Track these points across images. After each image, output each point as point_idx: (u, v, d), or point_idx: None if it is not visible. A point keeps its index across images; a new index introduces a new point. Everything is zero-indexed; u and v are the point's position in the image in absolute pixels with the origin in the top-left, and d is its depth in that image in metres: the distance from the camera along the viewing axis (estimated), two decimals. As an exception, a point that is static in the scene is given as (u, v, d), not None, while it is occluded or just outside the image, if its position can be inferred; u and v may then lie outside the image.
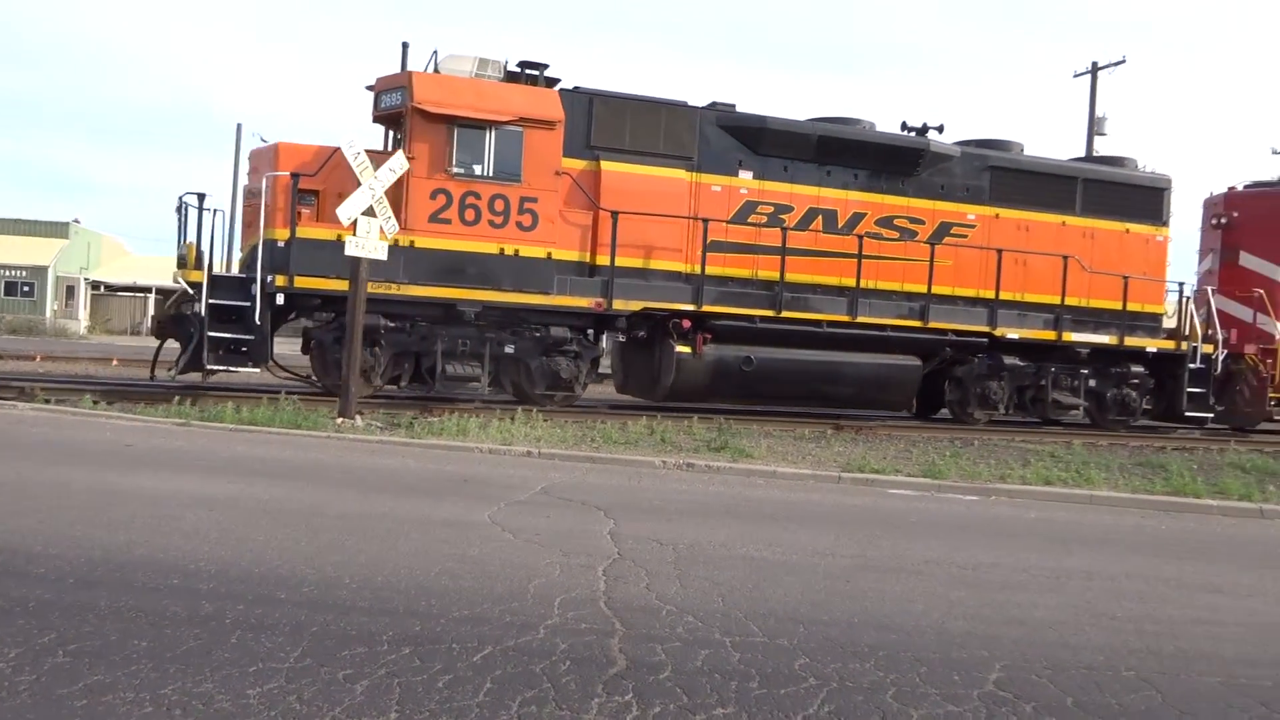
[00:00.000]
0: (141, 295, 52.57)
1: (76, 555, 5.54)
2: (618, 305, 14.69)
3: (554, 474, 9.73)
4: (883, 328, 16.00)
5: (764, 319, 15.37)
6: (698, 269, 15.05)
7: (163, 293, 56.07)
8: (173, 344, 14.58)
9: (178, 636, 4.32)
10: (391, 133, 15.08)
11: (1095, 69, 32.21)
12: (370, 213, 12.43)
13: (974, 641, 4.97)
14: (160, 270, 55.78)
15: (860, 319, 15.84)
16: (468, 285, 14.12)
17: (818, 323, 15.69)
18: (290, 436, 11.38)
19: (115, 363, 22.20)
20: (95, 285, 52.18)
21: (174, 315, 14.31)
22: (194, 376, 14.59)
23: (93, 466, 8.78)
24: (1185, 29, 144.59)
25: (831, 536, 7.47)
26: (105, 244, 56.94)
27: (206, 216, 14.12)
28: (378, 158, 14.21)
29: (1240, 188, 20.04)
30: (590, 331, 15.51)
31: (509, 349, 14.50)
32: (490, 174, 14.11)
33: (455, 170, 14.00)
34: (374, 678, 3.97)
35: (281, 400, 12.94)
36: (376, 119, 15.05)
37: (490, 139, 14.02)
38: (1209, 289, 18.69)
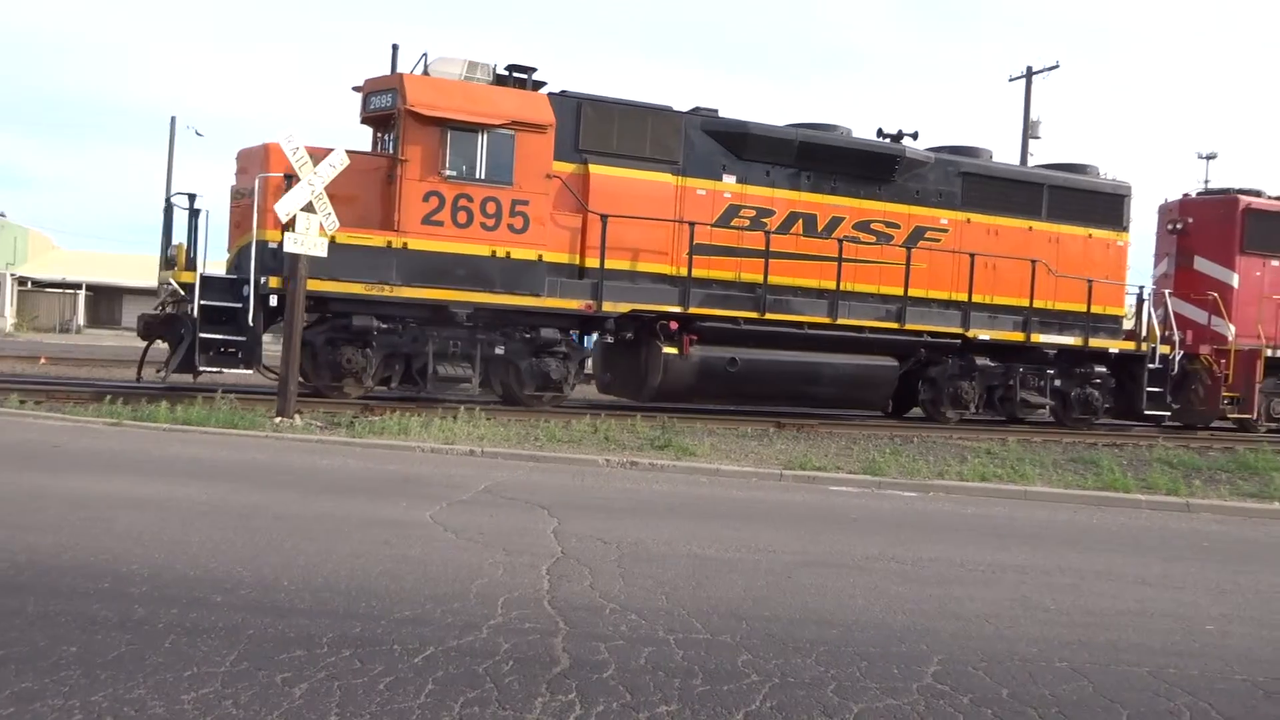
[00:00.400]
0: (71, 292, 51.19)
1: (1, 559, 5.37)
2: (607, 307, 14.89)
3: (497, 473, 9.68)
4: (861, 329, 16.40)
5: (748, 321, 15.68)
6: (684, 271, 15.29)
7: (94, 289, 54.78)
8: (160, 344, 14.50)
9: (109, 641, 4.22)
10: (380, 134, 15.07)
11: (1030, 73, 32.89)
12: (310, 209, 12.25)
13: (913, 635, 5.05)
14: (91, 266, 54.49)
15: (840, 321, 16.22)
16: (460, 287, 14.19)
17: (799, 324, 16.05)
18: (227, 436, 11.17)
19: (43, 361, 21.59)
20: (22, 281, 50.65)
21: (165, 316, 14.18)
22: (177, 377, 14.40)
23: (19, 467, 8.53)
24: (1117, 35, 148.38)
25: (774, 533, 7.53)
26: (33, 238, 55.34)
27: (191, 216, 14.09)
28: (366, 159, 14.43)
29: (1194, 194, 20.87)
30: (575, 333, 15.70)
31: (499, 350, 14.65)
32: (482, 177, 14.20)
33: (448, 173, 14.05)
34: (313, 680, 3.92)
35: (218, 399, 12.70)
36: (365, 120, 15.01)
37: (482, 142, 14.12)
38: (1166, 292, 19.34)
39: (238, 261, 14.04)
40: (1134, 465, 12.94)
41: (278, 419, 12.20)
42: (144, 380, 14.88)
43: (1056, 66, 32.59)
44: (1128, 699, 4.31)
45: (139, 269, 51.60)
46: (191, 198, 14.16)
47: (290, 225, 12.16)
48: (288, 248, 12.23)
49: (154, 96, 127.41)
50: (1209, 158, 36.57)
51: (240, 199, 14.19)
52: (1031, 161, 21.29)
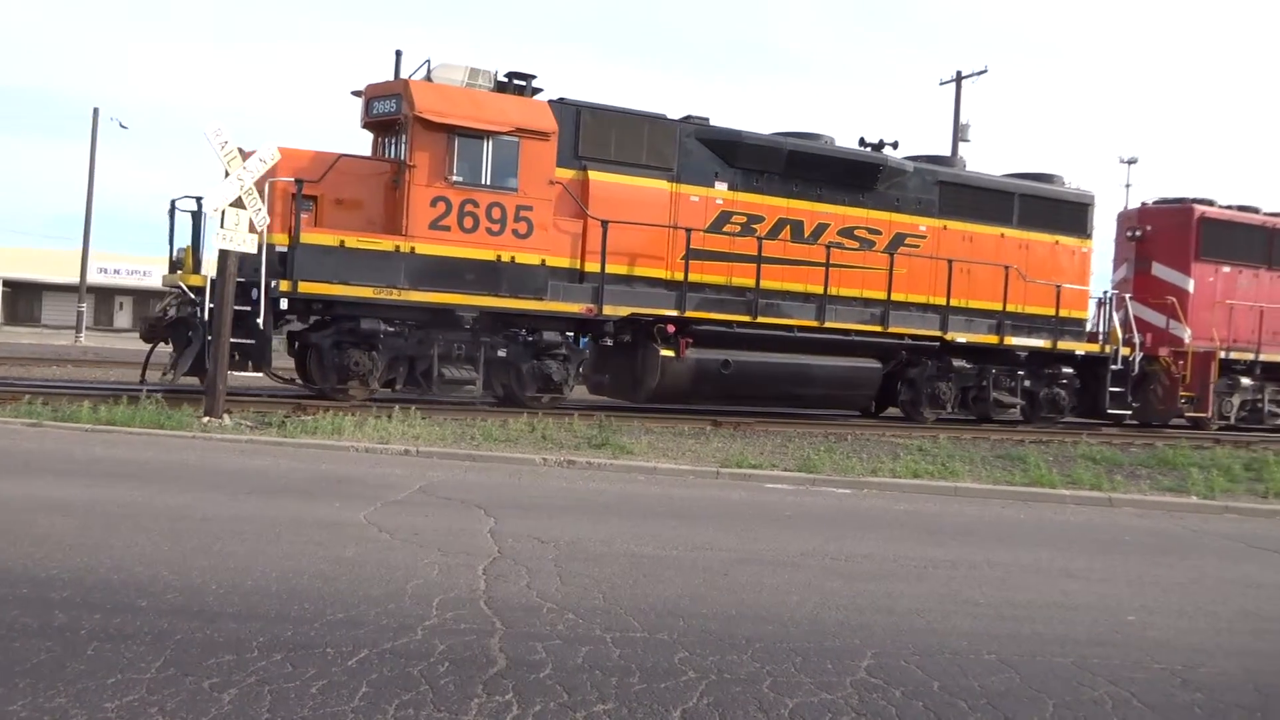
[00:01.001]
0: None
1: (-87, 565, 5.17)
2: (608, 310, 15.18)
3: (433, 472, 9.58)
4: (848, 332, 16.95)
5: (741, 324, 16.10)
6: (680, 276, 15.65)
7: (11, 285, 52.90)
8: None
9: (28, 649, 4.08)
10: (381, 139, 15.16)
11: (959, 77, 33.55)
12: (240, 204, 11.99)
13: (847, 630, 5.12)
14: (9, 261, 52.65)
15: (828, 324, 16.74)
16: (466, 291, 14.34)
17: (789, 328, 16.49)
18: (153, 437, 10.89)
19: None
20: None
21: (172, 319, 14.11)
22: (174, 379, 14.36)
23: (-68, 470, 8.21)
24: (1043, 42, 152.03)
25: (711, 531, 7.57)
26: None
27: (194, 218, 14.12)
28: (371, 164, 14.70)
29: (1151, 203, 21.99)
30: (571, 335, 16.00)
31: (501, 353, 14.90)
32: (488, 182, 14.40)
33: (455, 178, 14.20)
34: (243, 685, 3.84)
35: (143, 399, 12.37)
36: (367, 125, 15.14)
37: (488, 148, 14.30)
38: (1126, 296, 20.20)
39: (241, 263, 13.85)
40: (1060, 461, 13.28)
41: (206, 419, 11.93)
42: (148, 383, 14.77)
43: (985, 71, 33.31)
44: (1053, 689, 4.42)
45: (60, 264, 50.06)
46: (198, 200, 14.08)
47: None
48: (216, 244, 11.97)
49: (77, 87, 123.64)
50: (1130, 162, 37.76)
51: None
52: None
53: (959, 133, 32.96)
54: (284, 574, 5.48)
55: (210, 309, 12.94)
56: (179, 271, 14.11)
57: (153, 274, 47.02)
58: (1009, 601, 5.98)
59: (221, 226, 11.89)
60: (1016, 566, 7.07)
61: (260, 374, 14.27)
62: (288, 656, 4.18)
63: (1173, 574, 7.20)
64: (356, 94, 15.33)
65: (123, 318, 56.20)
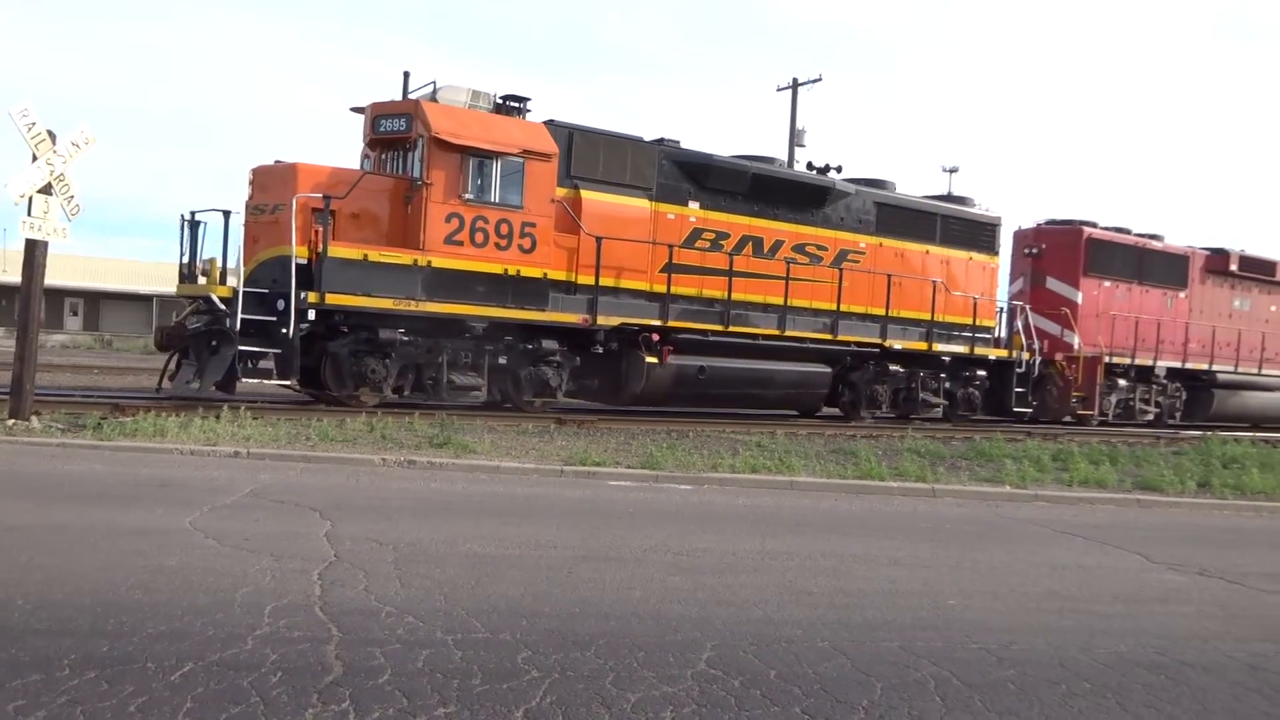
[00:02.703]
0: None
1: None
2: (601, 320, 16.23)
3: (265, 475, 9.20)
4: (804, 340, 18.54)
5: (715, 333, 17.42)
6: (660, 288, 16.87)
7: None
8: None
9: None
10: (384, 154, 15.65)
11: (795, 84, 34.61)
12: (48, 191, 11.18)
13: (688, 624, 5.21)
14: None
15: (788, 333, 18.27)
16: (477, 302, 15.11)
17: (755, 336, 17.92)
18: (-52, 441, 10.03)
19: None
20: None
21: (196, 329, 14.29)
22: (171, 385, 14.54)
23: None
24: (874, 53, 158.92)
25: (554, 529, 7.57)
26: None
27: (225, 231, 14.50)
28: (384, 180, 15.13)
29: (1044, 224, 24.30)
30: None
31: (502, 360, 15.69)
32: (496, 200, 15.17)
33: (467, 196, 14.90)
34: (52, 707, 3.58)
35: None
36: (373, 142, 15.65)
37: (497, 168, 15.10)
38: (1026, 307, 22.38)
39: (256, 275, 14.32)
40: (888, 455, 13.91)
41: (10, 420, 11.08)
42: (164, 390, 15.06)
43: (820, 79, 34.47)
44: (881, 672, 4.63)
45: None
46: (226, 214, 14.39)
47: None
48: (24, 233, 11.13)
49: None
50: (951, 170, 39.57)
51: (260, 215, 14.52)
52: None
53: (795, 138, 34.01)
54: (100, 586, 5.15)
55: (244, 320, 13.51)
56: (202, 282, 14.52)
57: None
58: (841, 590, 6.23)
59: (29, 215, 11.06)
60: (848, 556, 7.37)
61: (288, 383, 14.67)
62: (103, 674, 3.93)
63: (989, 559, 7.66)
64: (357, 110, 16.04)
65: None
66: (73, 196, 11.47)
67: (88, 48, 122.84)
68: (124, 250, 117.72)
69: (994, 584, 6.76)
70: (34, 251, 11.26)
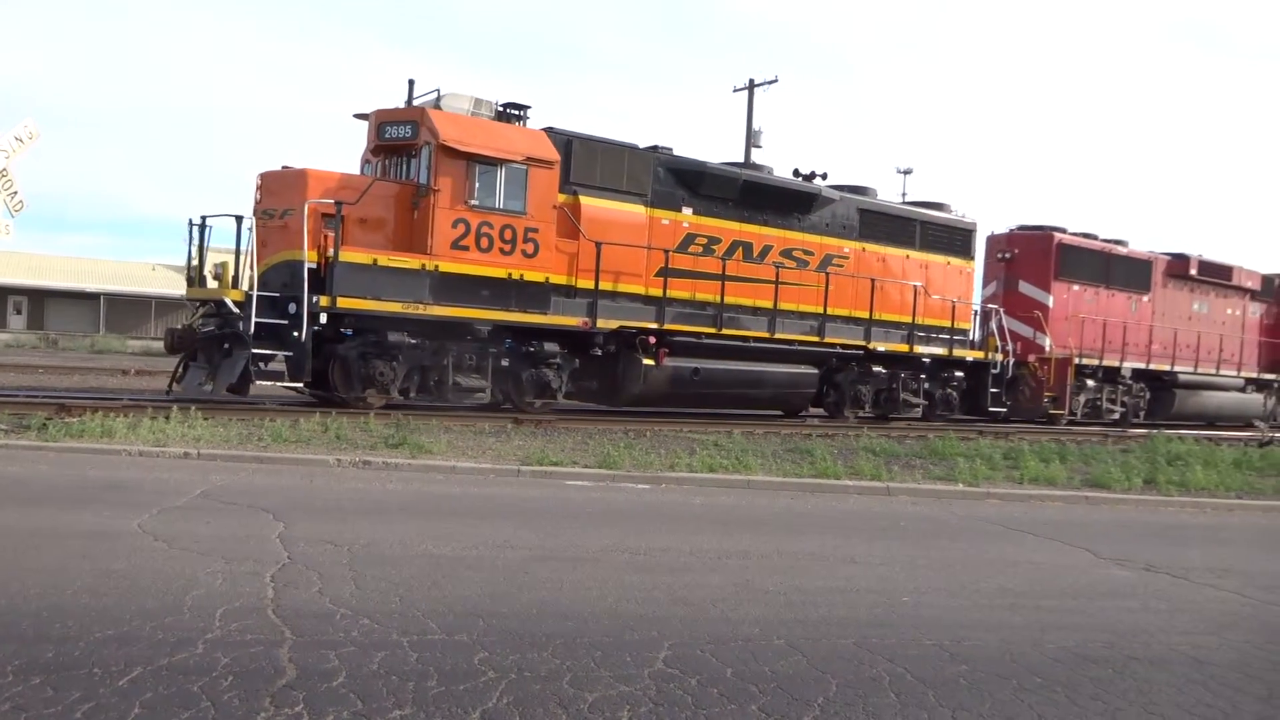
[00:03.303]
0: None
1: None
2: (600, 324, 16.59)
3: (216, 476, 9.06)
4: (792, 342, 19.02)
5: (708, 335, 17.88)
6: (656, 291, 17.27)
7: None
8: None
9: None
10: (387, 160, 16.03)
11: (752, 85, 34.80)
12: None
13: (645, 623, 5.21)
14: None
15: (778, 335, 18.70)
16: (482, 306, 15.45)
17: (746, 338, 18.39)
18: (-115, 443, 9.76)
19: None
20: None
21: (208, 332, 14.52)
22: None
23: None
24: (829, 55, 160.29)
25: (511, 529, 7.53)
26: None
27: (238, 236, 14.61)
28: (391, 185, 15.39)
29: (1016, 229, 24.98)
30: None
31: (504, 362, 16.03)
32: (501, 206, 15.47)
33: (473, 202, 15.20)
34: (-5, 714, 3.50)
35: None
36: (377, 148, 15.95)
37: (501, 175, 15.41)
38: (1000, 310, 22.96)
39: (265, 278, 14.45)
40: (844, 454, 14.02)
41: (-49, 422, 10.82)
42: (174, 392, 15.11)
43: (776, 80, 34.71)
44: (836, 669, 4.67)
45: None
46: (239, 219, 14.49)
47: None
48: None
49: None
50: (906, 172, 40.01)
51: (268, 219, 14.71)
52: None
53: (752, 138, 34.19)
54: (44, 590, 5.04)
55: (256, 323, 13.68)
56: (213, 285, 14.72)
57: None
58: (797, 588, 6.27)
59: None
60: (804, 554, 7.42)
61: (300, 385, 15.00)
62: (48, 680, 3.85)
63: (942, 556, 7.75)
64: (360, 117, 16.32)
65: None
66: (16, 192, 11.26)
67: (40, 41, 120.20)
68: (70, 247, 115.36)
69: (947, 581, 6.85)
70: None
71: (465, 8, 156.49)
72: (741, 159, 32.01)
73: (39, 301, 54.32)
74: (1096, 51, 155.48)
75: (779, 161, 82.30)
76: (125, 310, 54.72)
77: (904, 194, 24.43)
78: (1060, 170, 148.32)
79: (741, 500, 10.04)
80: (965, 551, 8.10)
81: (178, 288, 58.33)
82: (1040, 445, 16.61)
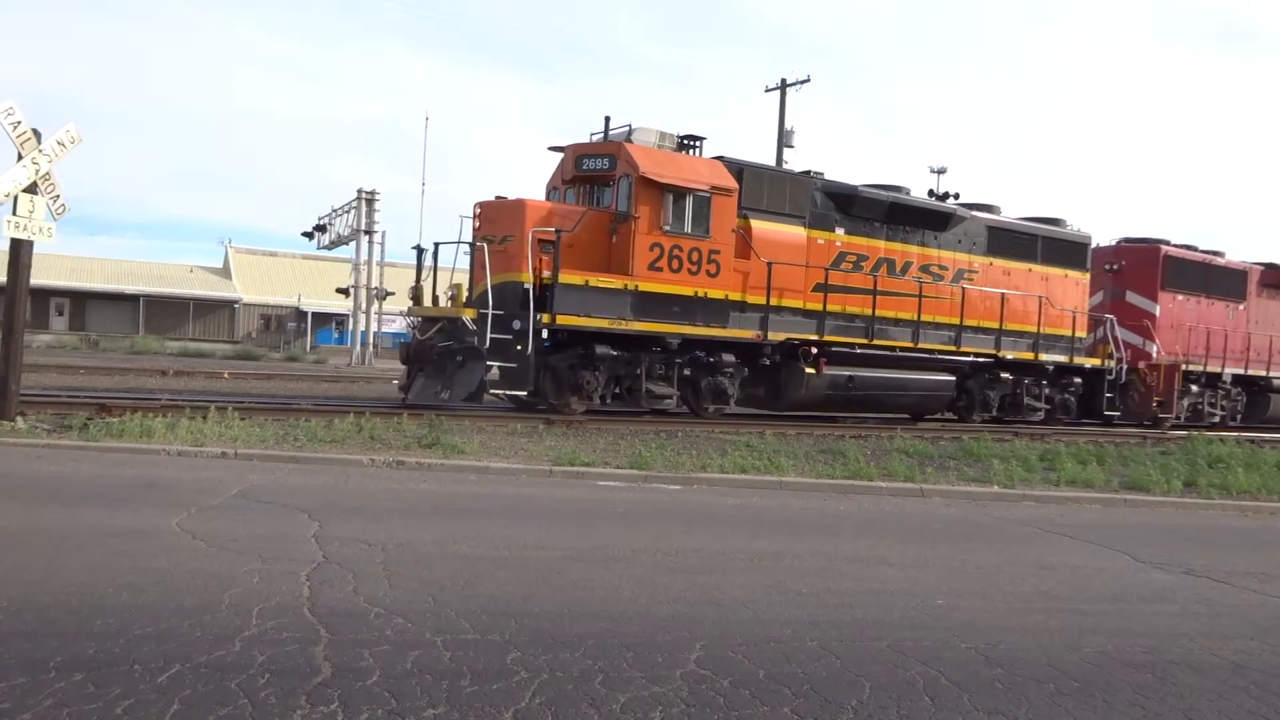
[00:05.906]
0: None
1: None
2: (771, 336, 18.18)
3: (253, 476, 9.17)
4: (933, 352, 20.52)
5: (861, 346, 19.35)
6: (815, 306, 18.81)
7: None
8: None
9: None
10: (583, 188, 17.55)
11: (784, 85, 34.71)
12: (34, 190, 11.11)
13: (677, 624, 5.21)
14: None
15: (920, 345, 20.20)
16: (673, 321, 17.07)
17: (893, 348, 19.88)
18: (-68, 442, 9.97)
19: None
20: None
21: (446, 346, 16.04)
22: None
23: None
24: (861, 56, 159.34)
25: (543, 530, 7.56)
26: None
27: (472, 260, 16.74)
28: (595, 214, 16.84)
29: (1123, 241, 26.17)
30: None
31: (687, 371, 17.60)
32: (689, 231, 17.09)
33: (667, 228, 16.84)
34: (38, 710, 3.56)
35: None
36: (574, 179, 17.58)
37: (690, 203, 17.00)
38: (1113, 319, 24.16)
39: (485, 298, 15.92)
40: (877, 455, 13.93)
41: (-4, 422, 11.03)
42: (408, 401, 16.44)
43: (808, 80, 34.62)
44: (870, 672, 4.64)
45: None
46: (471, 245, 16.48)
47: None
48: (9, 233, 11.07)
49: None
50: (940, 171, 39.76)
51: (490, 244, 16.25)
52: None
53: (784, 138, 34.08)
54: (85, 587, 5.12)
55: (491, 339, 15.33)
56: (445, 304, 16.61)
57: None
58: (830, 590, 6.24)
59: (14, 214, 11.01)
60: (837, 556, 7.38)
61: (524, 393, 16.48)
62: (90, 676, 3.91)
63: (977, 559, 7.68)
64: (555, 149, 17.97)
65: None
66: (58, 196, 11.42)
67: (72, 46, 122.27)
68: (111, 250, 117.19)
69: (982, 583, 6.78)
70: (19, 251, 11.20)
71: (489, 10, 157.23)
72: (774, 160, 31.95)
73: (80, 303, 55.27)
74: (1129, 53, 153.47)
75: (813, 162, 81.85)
76: (163, 311, 55.57)
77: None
78: (1095, 173, 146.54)
79: (774, 501, 10.00)
80: (1001, 554, 8.01)
81: (214, 289, 59.53)
82: (1077, 448, 16.42)
